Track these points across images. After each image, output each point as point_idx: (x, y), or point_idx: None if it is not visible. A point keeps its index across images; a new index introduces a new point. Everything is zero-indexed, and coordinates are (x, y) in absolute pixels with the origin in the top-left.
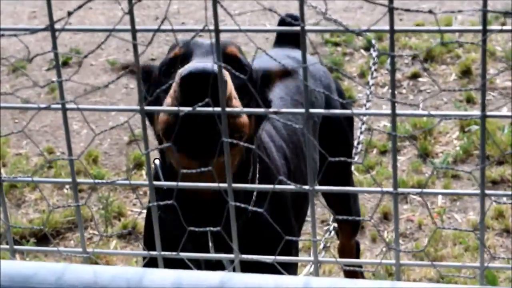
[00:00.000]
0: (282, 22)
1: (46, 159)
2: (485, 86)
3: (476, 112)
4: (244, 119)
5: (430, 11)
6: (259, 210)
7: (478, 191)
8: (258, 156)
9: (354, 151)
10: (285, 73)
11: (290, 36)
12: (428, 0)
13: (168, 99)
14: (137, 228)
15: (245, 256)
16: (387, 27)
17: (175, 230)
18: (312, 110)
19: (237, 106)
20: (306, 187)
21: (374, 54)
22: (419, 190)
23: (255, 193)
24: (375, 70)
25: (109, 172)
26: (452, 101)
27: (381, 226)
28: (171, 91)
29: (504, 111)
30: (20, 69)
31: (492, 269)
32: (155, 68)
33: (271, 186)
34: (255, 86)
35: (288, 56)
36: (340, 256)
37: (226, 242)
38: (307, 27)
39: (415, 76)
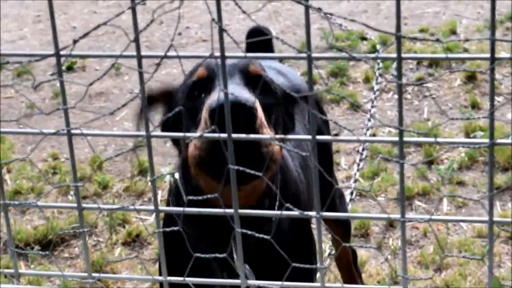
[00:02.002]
0: (251, 35)
1: (45, 178)
2: (493, 114)
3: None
4: (276, 147)
5: (438, 40)
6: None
7: (486, 218)
8: (281, 171)
9: (359, 157)
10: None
11: (260, 45)
12: (433, 4)
13: (199, 132)
14: (141, 236)
15: (251, 282)
16: (392, 30)
17: (198, 243)
18: (318, 137)
19: (267, 133)
20: (313, 213)
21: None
22: (427, 217)
23: (277, 203)
24: (380, 75)
25: (114, 179)
26: (457, 106)
27: (386, 233)
28: (202, 123)
29: (509, 116)
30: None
31: None
32: (176, 90)
33: (278, 212)
34: (280, 101)
35: (269, 67)
36: (337, 264)
37: (251, 254)
38: (313, 55)
39: (420, 80)
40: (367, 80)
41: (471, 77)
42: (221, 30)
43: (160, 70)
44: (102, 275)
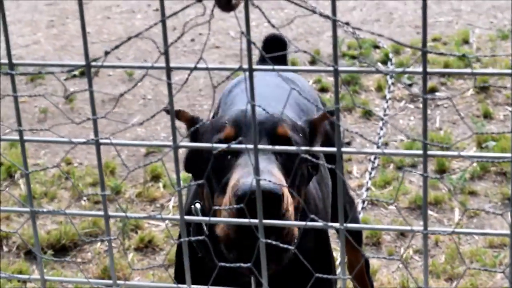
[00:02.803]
0: (266, 42)
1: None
2: None
3: (494, 124)
4: (295, 231)
5: (464, 55)
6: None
7: (508, 231)
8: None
9: (370, 165)
10: (325, 117)
11: (276, 51)
12: (446, 13)
13: (224, 212)
14: (154, 242)
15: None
16: (403, 39)
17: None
18: (344, 149)
19: (291, 215)
20: (337, 225)
21: (391, 67)
22: (450, 230)
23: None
24: (392, 84)
25: (126, 184)
26: (469, 115)
27: (398, 242)
28: (226, 201)
29: None
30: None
31: None
32: (201, 123)
33: (303, 223)
34: (306, 142)
35: (276, 75)
36: (350, 272)
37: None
38: (340, 68)
39: (432, 90)
40: (379, 88)
41: (483, 87)
42: (249, 43)
43: (174, 76)
44: (127, 282)
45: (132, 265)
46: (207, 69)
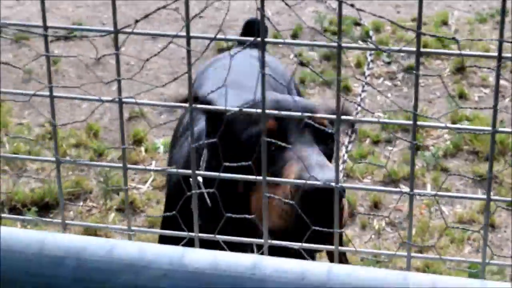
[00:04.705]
0: (247, 26)
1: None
2: (497, 106)
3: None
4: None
5: (454, 38)
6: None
7: (484, 196)
8: None
9: (347, 139)
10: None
11: (251, 36)
12: None
13: (280, 203)
14: (135, 204)
15: (273, 242)
16: (386, 15)
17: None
18: (344, 117)
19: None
20: (333, 184)
21: (371, 45)
22: (433, 192)
23: None
24: (371, 61)
25: (109, 146)
26: (445, 96)
27: (371, 213)
28: (282, 192)
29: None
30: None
31: (493, 265)
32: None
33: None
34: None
35: (251, 56)
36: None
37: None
38: (343, 44)
39: (411, 69)
40: (359, 65)
41: (460, 68)
42: (263, 17)
43: (157, 44)
44: (140, 229)
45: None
46: (225, 39)
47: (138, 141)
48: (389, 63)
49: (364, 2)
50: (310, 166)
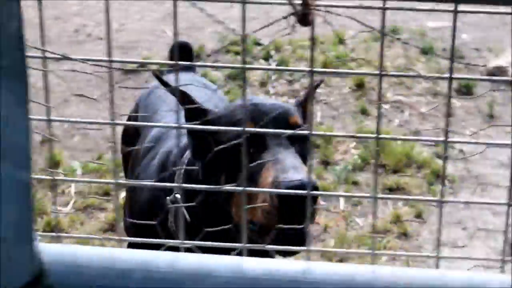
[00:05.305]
0: (173, 50)
1: None
2: (380, 118)
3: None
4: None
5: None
6: None
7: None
8: None
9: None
10: (311, 97)
11: (183, 59)
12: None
13: (259, 212)
14: (59, 225)
15: (251, 245)
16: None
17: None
18: (314, 133)
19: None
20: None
21: (274, 64)
22: (397, 196)
23: None
24: (275, 80)
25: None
26: (348, 112)
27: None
28: (262, 195)
29: (396, 123)
30: None
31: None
32: (212, 115)
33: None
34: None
35: (193, 81)
36: None
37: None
38: (314, 69)
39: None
40: (263, 84)
41: (359, 85)
42: (244, 37)
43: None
44: (124, 181)
45: None
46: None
47: (55, 164)
48: (291, 81)
49: (261, 22)
50: (286, 169)
